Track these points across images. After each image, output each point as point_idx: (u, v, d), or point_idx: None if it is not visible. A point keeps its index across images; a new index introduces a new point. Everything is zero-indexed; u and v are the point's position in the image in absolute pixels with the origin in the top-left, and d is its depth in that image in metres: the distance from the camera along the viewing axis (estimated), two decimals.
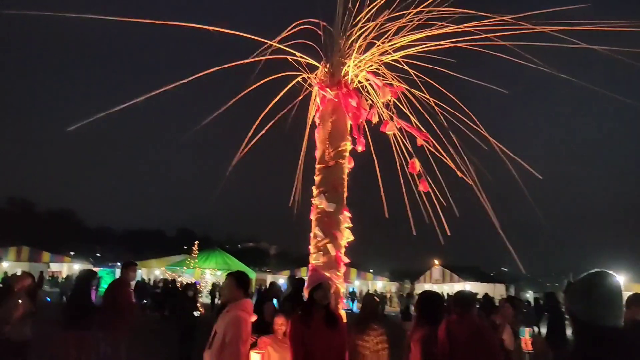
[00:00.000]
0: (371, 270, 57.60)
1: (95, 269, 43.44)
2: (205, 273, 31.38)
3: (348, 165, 6.28)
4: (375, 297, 6.42)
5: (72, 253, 51.97)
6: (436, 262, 52.98)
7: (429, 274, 54.15)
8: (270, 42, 6.60)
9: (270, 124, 7.01)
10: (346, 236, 6.05)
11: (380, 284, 52.92)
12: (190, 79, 6.37)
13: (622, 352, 2.22)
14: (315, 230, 5.98)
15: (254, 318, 4.82)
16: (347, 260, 6.01)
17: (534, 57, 5.92)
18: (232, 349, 4.48)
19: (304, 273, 40.98)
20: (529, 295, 47.44)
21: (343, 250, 6.01)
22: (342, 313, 5.62)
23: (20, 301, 7.26)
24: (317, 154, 6.34)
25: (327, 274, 5.39)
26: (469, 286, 45.60)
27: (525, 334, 5.12)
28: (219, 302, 32.02)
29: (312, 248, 5.97)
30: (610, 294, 2.32)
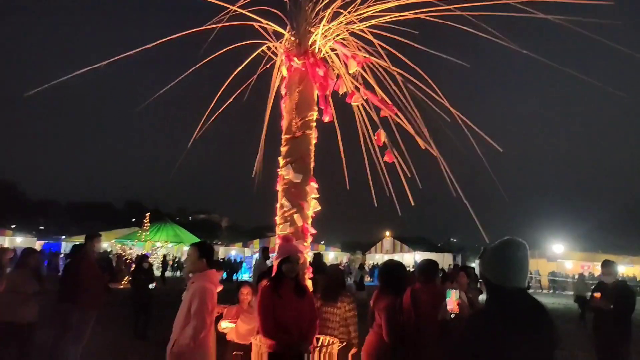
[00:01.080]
0: (323, 242, 58.18)
1: (39, 242, 42.09)
2: (157, 246, 30.98)
3: (315, 135, 6.24)
4: (340, 267, 6.51)
5: (13, 226, 50.05)
6: (387, 233, 54.17)
7: (380, 244, 55.38)
8: (232, 7, 6.39)
9: (236, 94, 6.84)
10: (313, 206, 6.05)
11: (332, 255, 53.65)
12: (147, 46, 6.10)
13: (526, 309, 2.53)
14: (282, 200, 5.94)
15: (219, 288, 4.81)
16: (313, 230, 6.03)
17: (498, 29, 5.97)
18: (197, 319, 4.48)
19: (256, 245, 41.12)
20: (475, 265, 49.35)
21: (310, 220, 6.02)
22: (309, 282, 5.67)
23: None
24: (284, 124, 6.24)
25: (295, 244, 5.41)
26: (418, 256, 47.05)
27: (452, 295, 5.32)
28: (175, 274, 31.70)
29: (278, 219, 5.94)
30: (517, 260, 2.60)
